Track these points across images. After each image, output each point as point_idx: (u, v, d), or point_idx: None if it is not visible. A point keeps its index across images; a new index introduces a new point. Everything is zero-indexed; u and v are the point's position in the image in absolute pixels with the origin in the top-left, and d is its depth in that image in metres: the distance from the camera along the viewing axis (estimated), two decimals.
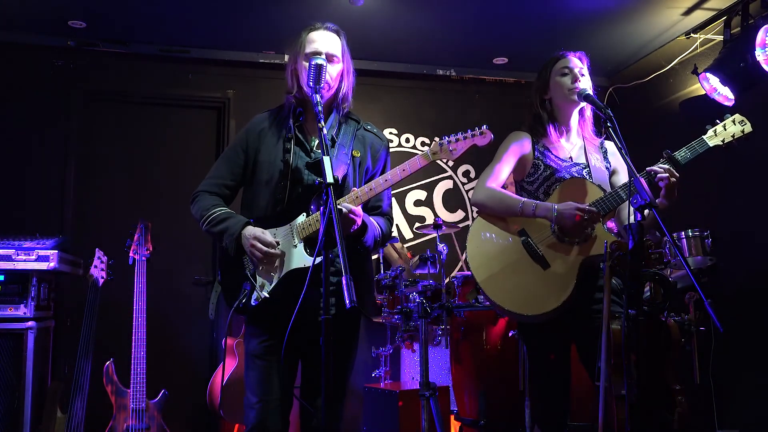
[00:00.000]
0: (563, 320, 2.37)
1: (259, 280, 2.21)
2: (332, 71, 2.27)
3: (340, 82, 2.32)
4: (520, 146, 2.56)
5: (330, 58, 2.27)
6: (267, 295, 2.18)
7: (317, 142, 2.31)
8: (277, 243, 2.19)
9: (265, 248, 2.16)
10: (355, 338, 2.35)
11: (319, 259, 2.06)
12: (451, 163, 5.22)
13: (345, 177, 2.27)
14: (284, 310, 2.13)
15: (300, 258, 2.18)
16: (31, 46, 4.49)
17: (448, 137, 2.18)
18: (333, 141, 2.29)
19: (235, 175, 2.37)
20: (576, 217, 2.30)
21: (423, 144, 5.19)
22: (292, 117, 2.33)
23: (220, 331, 4.47)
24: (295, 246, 2.19)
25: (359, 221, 2.13)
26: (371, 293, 2.43)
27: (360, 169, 2.32)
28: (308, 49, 2.28)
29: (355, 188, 2.21)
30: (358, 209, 2.13)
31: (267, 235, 2.19)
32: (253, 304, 2.20)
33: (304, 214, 2.20)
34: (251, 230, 2.20)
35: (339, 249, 1.77)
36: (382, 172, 2.36)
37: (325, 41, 2.29)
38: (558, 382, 2.44)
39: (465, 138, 2.18)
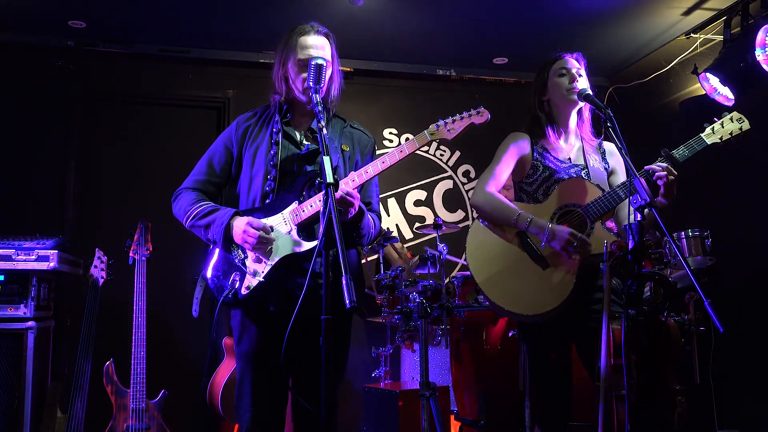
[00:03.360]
0: (563, 320, 2.37)
1: (250, 268, 2.19)
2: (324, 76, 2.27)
3: (329, 84, 2.34)
4: (519, 147, 2.56)
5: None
6: (262, 279, 2.15)
7: (306, 134, 2.34)
8: (271, 228, 2.18)
9: (259, 232, 2.13)
10: (347, 337, 2.33)
11: (312, 245, 2.11)
12: (451, 163, 5.22)
13: (336, 168, 2.25)
14: (278, 300, 2.14)
15: (294, 243, 2.16)
16: (31, 46, 4.49)
17: (445, 119, 2.21)
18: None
19: (221, 171, 2.37)
20: (565, 239, 2.30)
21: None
22: (279, 113, 2.34)
23: (219, 330, 4.47)
24: (288, 232, 2.18)
25: (356, 203, 2.13)
26: (363, 291, 2.43)
27: (349, 163, 2.33)
28: (301, 56, 2.27)
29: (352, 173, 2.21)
30: (355, 192, 2.13)
31: (260, 220, 2.18)
32: (244, 293, 2.17)
33: (296, 202, 2.20)
34: (242, 219, 2.19)
35: (339, 248, 1.77)
36: None
37: (317, 47, 2.28)
38: (558, 382, 2.44)
39: (462, 118, 2.20)
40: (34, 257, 3.50)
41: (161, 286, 4.17)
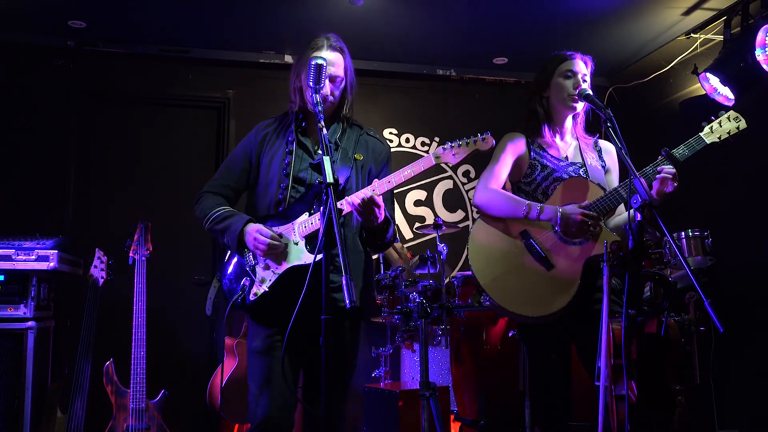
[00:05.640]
0: (564, 320, 2.37)
1: (259, 275, 2.26)
2: (335, 90, 2.34)
3: (343, 94, 2.39)
4: (515, 147, 2.56)
5: (333, 79, 2.33)
6: (267, 289, 2.22)
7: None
8: (280, 235, 2.24)
9: (268, 240, 2.20)
10: (356, 339, 2.39)
11: (319, 257, 2.08)
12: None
13: (348, 179, 2.32)
14: (285, 307, 2.17)
15: (301, 255, 2.22)
16: (31, 46, 4.48)
17: (452, 143, 2.24)
18: (337, 145, 2.37)
19: (239, 178, 2.45)
20: (579, 221, 2.30)
21: (423, 144, 5.19)
22: (295, 122, 2.41)
23: (220, 330, 4.47)
24: (296, 243, 2.23)
25: (382, 213, 2.19)
26: (371, 294, 2.45)
27: (362, 172, 2.36)
28: None
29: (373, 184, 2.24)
30: (380, 199, 2.17)
31: (270, 228, 2.25)
32: (251, 299, 2.24)
33: (307, 213, 2.25)
34: (254, 225, 2.26)
35: (339, 249, 1.78)
36: (385, 176, 2.39)
37: (329, 63, 2.31)
38: (558, 382, 2.43)
39: (467, 144, 2.24)
40: (34, 257, 3.50)
41: (161, 286, 4.17)
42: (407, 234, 5.09)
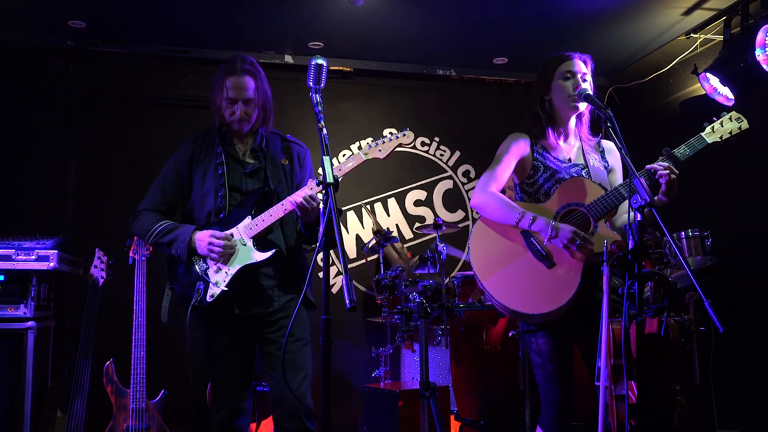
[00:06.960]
0: (565, 320, 2.37)
1: (212, 278, 2.42)
2: (249, 110, 2.55)
3: (257, 114, 2.59)
4: (519, 148, 2.55)
5: (247, 101, 2.54)
6: (225, 288, 2.39)
7: (248, 152, 2.60)
8: (232, 236, 2.43)
9: (223, 242, 2.39)
10: (304, 326, 2.55)
11: (267, 255, 2.39)
12: (451, 163, 5.22)
13: (280, 183, 2.54)
14: (238, 306, 2.45)
15: (252, 255, 2.42)
16: (31, 46, 4.48)
17: (378, 140, 2.52)
18: (264, 153, 2.58)
19: (173, 193, 2.63)
20: (568, 237, 2.30)
21: (423, 144, 5.18)
22: (219, 136, 2.60)
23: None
24: (245, 245, 2.42)
25: (317, 209, 2.41)
26: (310, 287, 2.67)
27: (290, 175, 2.58)
28: (226, 95, 2.55)
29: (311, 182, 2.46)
30: (317, 195, 2.40)
31: (221, 232, 2.43)
32: (209, 300, 2.40)
33: (249, 217, 2.43)
34: (204, 232, 2.43)
35: (339, 249, 1.79)
36: (309, 176, 2.66)
37: (239, 88, 2.54)
38: (560, 382, 2.43)
39: (390, 140, 2.53)
40: (34, 257, 3.50)
41: (161, 286, 4.16)
42: (407, 234, 5.09)
